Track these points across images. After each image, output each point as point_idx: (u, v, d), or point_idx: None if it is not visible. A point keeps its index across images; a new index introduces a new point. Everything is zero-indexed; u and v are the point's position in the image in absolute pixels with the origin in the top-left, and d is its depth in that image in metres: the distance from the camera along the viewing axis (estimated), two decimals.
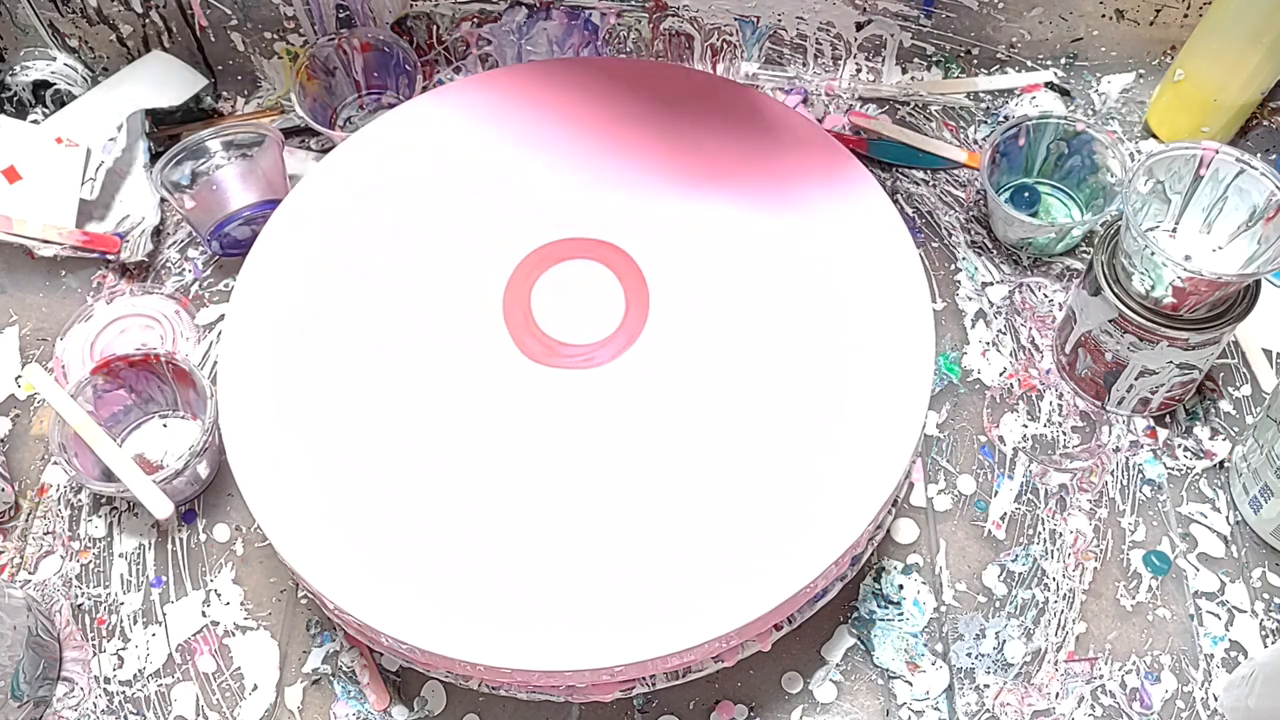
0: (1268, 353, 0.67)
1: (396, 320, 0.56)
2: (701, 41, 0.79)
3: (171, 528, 0.63)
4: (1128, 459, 0.64)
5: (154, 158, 0.74)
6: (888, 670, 0.58)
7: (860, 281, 0.56)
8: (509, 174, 0.60)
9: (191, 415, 0.66)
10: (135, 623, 0.61)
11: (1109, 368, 0.62)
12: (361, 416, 0.53)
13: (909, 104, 0.79)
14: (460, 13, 0.77)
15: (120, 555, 0.63)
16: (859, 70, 0.79)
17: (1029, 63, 0.79)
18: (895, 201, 0.74)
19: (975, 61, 0.79)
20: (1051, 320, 0.69)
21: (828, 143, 0.60)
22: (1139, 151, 0.76)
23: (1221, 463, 0.64)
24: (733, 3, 0.76)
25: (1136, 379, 0.62)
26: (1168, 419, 0.65)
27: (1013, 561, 0.61)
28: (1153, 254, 0.54)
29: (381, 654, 0.59)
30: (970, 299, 0.70)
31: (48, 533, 0.64)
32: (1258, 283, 0.58)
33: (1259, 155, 0.65)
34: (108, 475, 0.61)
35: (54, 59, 0.77)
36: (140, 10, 0.76)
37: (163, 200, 0.73)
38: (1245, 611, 0.59)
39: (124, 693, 0.59)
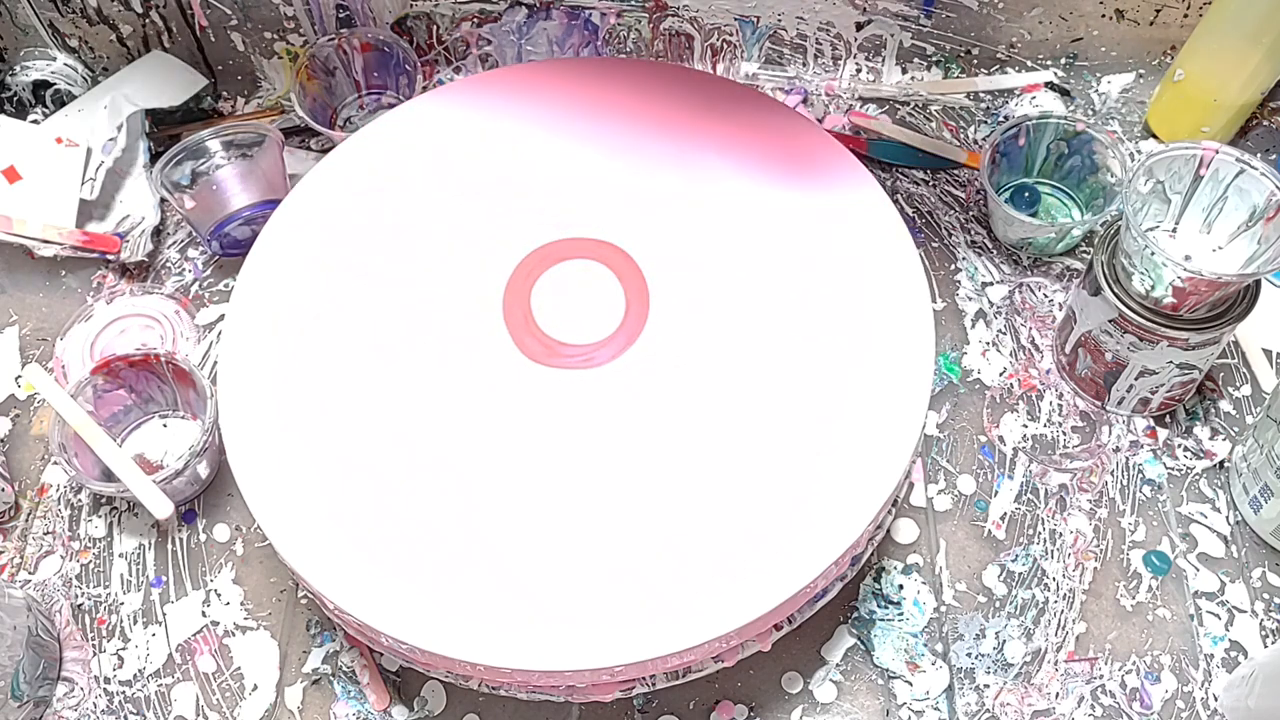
0: (1268, 353, 0.67)
1: (396, 320, 0.56)
2: (701, 41, 0.79)
3: (171, 528, 0.63)
4: (1128, 459, 0.64)
5: (154, 158, 0.74)
6: (888, 670, 0.58)
7: (860, 281, 0.56)
8: (509, 174, 0.60)
9: (191, 415, 0.66)
10: (135, 623, 0.61)
11: (1109, 368, 0.62)
12: (361, 416, 0.53)
13: (909, 104, 0.79)
14: (460, 13, 0.77)
15: (120, 555, 0.63)
16: (859, 70, 0.79)
17: (1029, 63, 0.79)
18: (895, 201, 0.74)
19: (975, 61, 0.79)
20: (1051, 320, 0.69)
21: (828, 143, 0.60)
22: (1139, 151, 0.76)
23: (1221, 463, 0.64)
24: (733, 3, 0.76)
25: (1136, 379, 0.62)
26: (1168, 419, 0.65)
27: (1013, 561, 0.61)
28: (1153, 254, 0.54)
29: (381, 654, 0.59)
30: (970, 299, 0.70)
31: (48, 533, 0.64)
32: (1258, 283, 0.58)
33: (1259, 155, 0.65)
34: (108, 475, 0.61)
35: (54, 59, 0.77)
36: (140, 10, 0.76)
37: (163, 200, 0.73)
38: (1245, 611, 0.59)
39: (124, 693, 0.59)
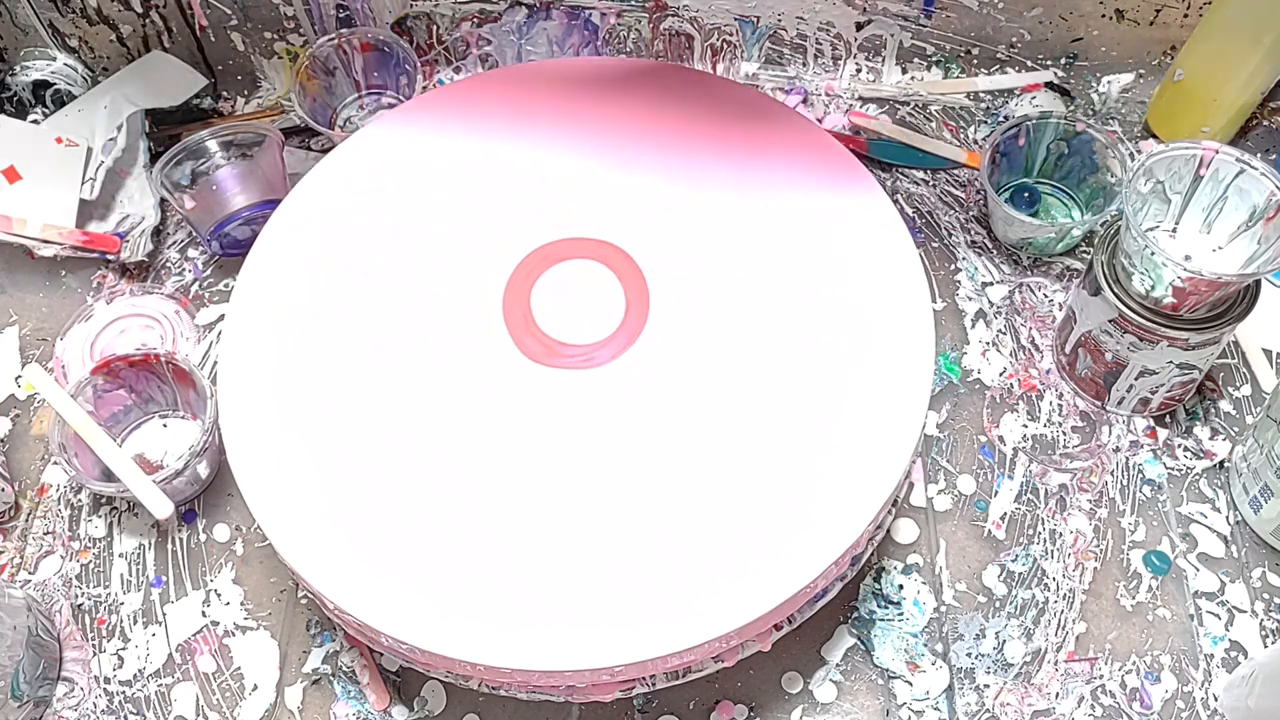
0: (1268, 353, 0.67)
1: (396, 320, 0.56)
2: (701, 41, 0.79)
3: (171, 528, 0.63)
4: (1128, 459, 0.64)
5: (154, 158, 0.74)
6: (888, 670, 0.58)
7: (860, 281, 0.55)
8: (509, 174, 0.60)
9: (191, 415, 0.66)
10: (135, 623, 0.61)
11: (1109, 368, 0.62)
12: (361, 416, 0.53)
13: (909, 104, 0.79)
14: (460, 13, 0.77)
15: (120, 555, 0.63)
16: (859, 70, 0.79)
17: (1029, 63, 0.79)
18: (895, 201, 0.74)
19: (975, 61, 0.79)
20: (1051, 320, 0.69)
21: (828, 143, 0.60)
22: (1139, 151, 0.76)
23: (1221, 463, 0.64)
24: (733, 3, 0.76)
25: (1136, 379, 0.62)
26: (1168, 419, 0.65)
27: (1013, 561, 0.61)
28: (1153, 254, 0.54)
29: (381, 654, 0.59)
30: (970, 299, 0.70)
31: (48, 533, 0.64)
32: (1258, 283, 0.58)
33: (1259, 155, 0.65)
34: (108, 475, 0.61)
35: (54, 59, 0.77)
36: (140, 10, 0.76)
37: (163, 200, 0.73)
38: (1245, 611, 0.59)
39: (124, 693, 0.59)
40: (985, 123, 0.78)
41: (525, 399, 0.53)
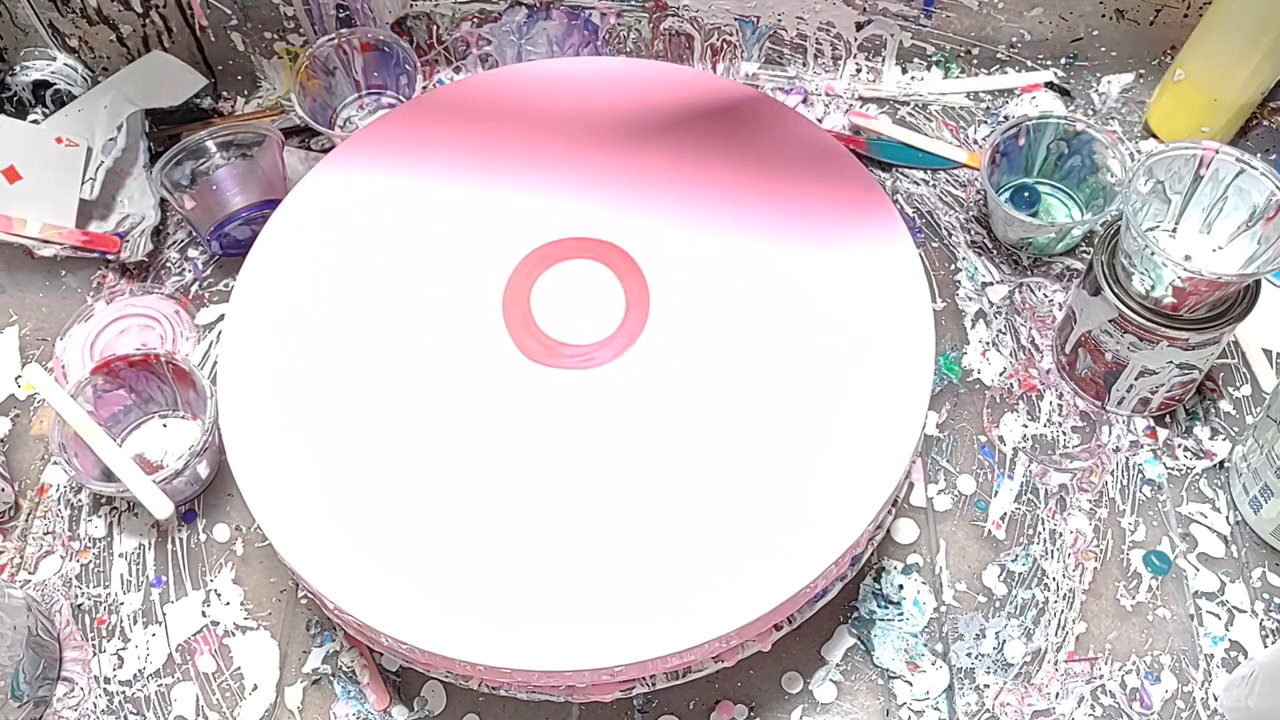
0: (1268, 353, 0.67)
1: (396, 320, 0.56)
2: (701, 41, 0.79)
3: (171, 528, 0.63)
4: (1128, 459, 0.64)
5: (154, 158, 0.74)
6: (888, 670, 0.58)
7: (860, 282, 0.55)
8: (509, 174, 0.60)
9: (191, 415, 0.66)
10: (135, 623, 0.61)
11: (1109, 368, 0.62)
12: (361, 416, 0.53)
13: (909, 104, 0.79)
14: (460, 13, 0.77)
15: (120, 555, 0.63)
16: (859, 70, 0.79)
17: (1029, 63, 0.79)
18: (895, 201, 0.74)
19: (975, 61, 0.79)
20: (1051, 320, 0.69)
21: (827, 143, 0.60)
22: (1139, 151, 0.76)
23: (1221, 463, 0.64)
24: (733, 3, 0.76)
25: (1136, 379, 0.62)
26: (1168, 419, 0.65)
27: (1013, 561, 0.61)
28: (1153, 254, 0.54)
29: (381, 654, 0.59)
30: (970, 299, 0.70)
31: (48, 533, 0.64)
32: (1258, 283, 0.58)
33: (1259, 155, 0.65)
34: (108, 475, 0.61)
35: (54, 59, 0.77)
36: (140, 10, 0.76)
37: (163, 200, 0.73)
38: (1245, 611, 0.59)
39: (124, 693, 0.59)
40: (985, 123, 0.78)
41: (525, 399, 0.53)
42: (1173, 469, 0.64)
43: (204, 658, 0.59)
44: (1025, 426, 0.65)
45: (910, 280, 0.55)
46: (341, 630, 0.60)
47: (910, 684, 0.58)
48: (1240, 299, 0.58)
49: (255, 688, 0.59)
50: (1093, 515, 0.62)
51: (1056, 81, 0.78)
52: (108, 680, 0.59)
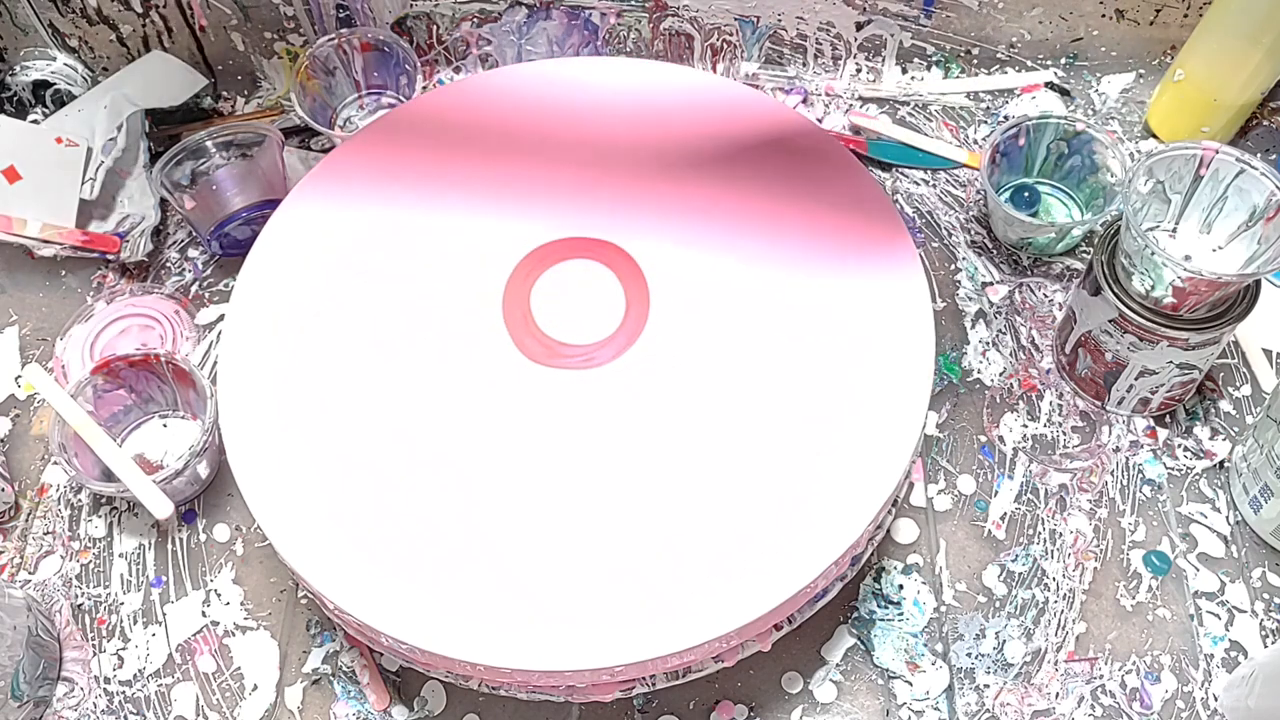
0: (1268, 353, 0.67)
1: (396, 320, 0.56)
2: (701, 41, 0.79)
3: (171, 528, 0.63)
4: (1128, 459, 0.64)
5: (154, 158, 0.74)
6: (888, 670, 0.58)
7: (860, 281, 0.56)
8: (509, 174, 0.60)
9: (191, 415, 0.66)
10: (135, 623, 0.61)
11: (1109, 368, 0.62)
12: (361, 416, 0.53)
13: (909, 104, 0.79)
14: (460, 13, 0.77)
15: (120, 555, 0.63)
16: (859, 70, 0.79)
17: (1029, 63, 0.79)
18: (895, 201, 0.74)
19: (975, 61, 0.79)
20: (1051, 320, 0.69)
21: (827, 142, 0.60)
22: (1139, 151, 0.76)
23: (1221, 463, 0.64)
24: (733, 3, 0.76)
25: (1136, 379, 0.62)
26: (1168, 419, 0.65)
27: (1013, 561, 0.61)
28: (1153, 254, 0.54)
29: (381, 654, 0.59)
30: (970, 299, 0.70)
31: (48, 533, 0.64)
32: (1258, 283, 0.58)
33: (1259, 155, 0.65)
34: (108, 475, 0.61)
35: (54, 59, 0.77)
36: (140, 10, 0.76)
37: (163, 200, 0.73)
38: (1245, 611, 0.59)
39: (124, 693, 0.59)
40: (985, 123, 0.78)
41: (525, 399, 0.53)
42: (1173, 469, 0.64)
43: (204, 658, 0.59)
44: (1025, 426, 0.65)
45: (910, 280, 0.55)
46: (341, 630, 0.60)
47: (910, 684, 0.58)
48: (1240, 299, 0.58)
49: (255, 688, 0.59)
50: (1093, 515, 0.62)
51: (1056, 81, 0.78)
52: (108, 680, 0.59)
